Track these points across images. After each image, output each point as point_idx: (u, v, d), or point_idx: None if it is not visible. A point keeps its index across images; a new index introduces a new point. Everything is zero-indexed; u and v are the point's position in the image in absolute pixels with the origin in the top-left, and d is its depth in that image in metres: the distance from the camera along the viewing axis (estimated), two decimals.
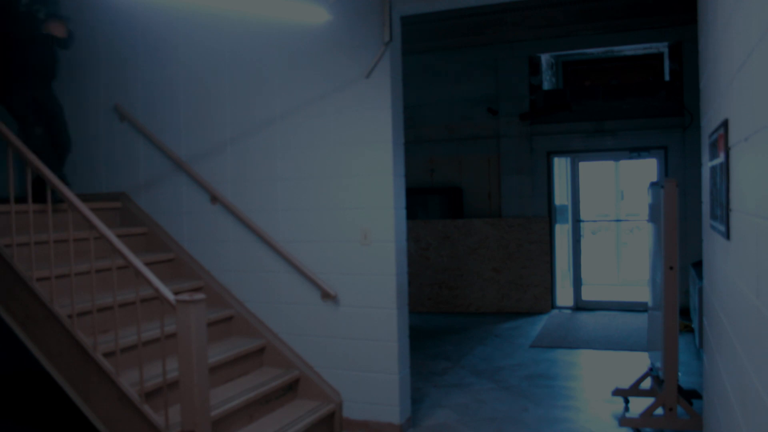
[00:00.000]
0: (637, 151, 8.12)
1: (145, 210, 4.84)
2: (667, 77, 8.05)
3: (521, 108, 8.35)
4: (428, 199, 8.72)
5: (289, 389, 4.26)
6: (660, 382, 4.14)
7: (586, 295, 8.48)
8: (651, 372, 4.51)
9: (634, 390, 4.51)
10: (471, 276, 8.36)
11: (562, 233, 8.76)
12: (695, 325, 5.90)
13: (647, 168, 8.74)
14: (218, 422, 3.52)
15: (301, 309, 4.37)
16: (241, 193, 4.53)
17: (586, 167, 8.94)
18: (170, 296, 3.14)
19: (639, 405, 4.41)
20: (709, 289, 3.28)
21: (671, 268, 3.92)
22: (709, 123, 3.01)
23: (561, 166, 8.74)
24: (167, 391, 3.28)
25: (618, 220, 10.41)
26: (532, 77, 8.38)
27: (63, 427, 4.32)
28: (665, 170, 7.93)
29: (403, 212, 4.27)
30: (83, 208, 3.46)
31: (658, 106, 7.94)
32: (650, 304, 4.76)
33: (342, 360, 4.26)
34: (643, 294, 6.02)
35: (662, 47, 8.21)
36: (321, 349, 4.32)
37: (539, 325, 7.45)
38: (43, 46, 4.45)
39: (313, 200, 4.32)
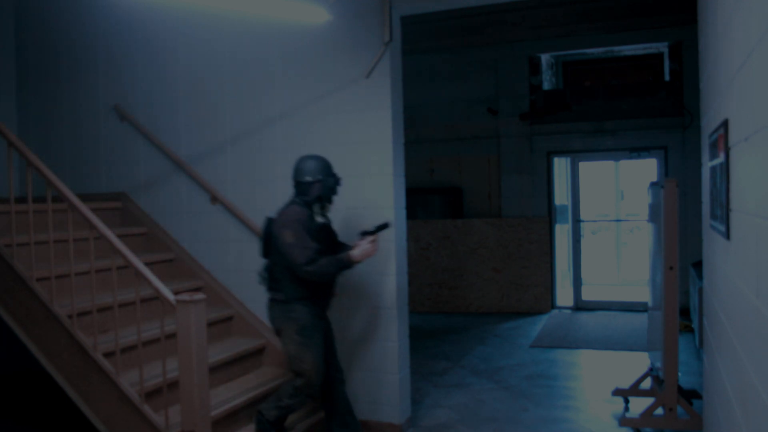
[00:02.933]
0: (637, 151, 8.11)
1: (145, 210, 4.83)
2: (667, 77, 8.05)
3: (521, 108, 8.35)
4: (428, 199, 8.70)
5: None
6: (660, 382, 4.14)
7: (586, 295, 8.47)
8: (651, 372, 4.51)
9: (634, 390, 4.51)
10: (471, 276, 8.36)
11: (562, 233, 8.76)
12: (695, 325, 5.90)
13: (647, 168, 8.74)
14: (218, 422, 3.52)
15: None
16: (241, 193, 4.53)
17: (586, 167, 8.94)
18: (170, 296, 3.14)
19: (639, 405, 4.41)
20: (709, 289, 3.28)
21: (671, 268, 3.92)
22: (709, 123, 3.00)
23: (561, 166, 8.74)
24: (167, 391, 3.28)
25: (618, 220, 10.40)
26: (532, 77, 8.37)
27: (63, 427, 4.32)
28: (665, 170, 7.92)
29: (403, 212, 4.27)
30: (83, 208, 3.46)
31: (658, 106, 7.94)
32: (650, 304, 4.76)
33: (342, 360, 4.25)
34: (643, 294, 6.01)
35: (662, 47, 8.21)
36: None
37: (539, 325, 7.45)
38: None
39: None
